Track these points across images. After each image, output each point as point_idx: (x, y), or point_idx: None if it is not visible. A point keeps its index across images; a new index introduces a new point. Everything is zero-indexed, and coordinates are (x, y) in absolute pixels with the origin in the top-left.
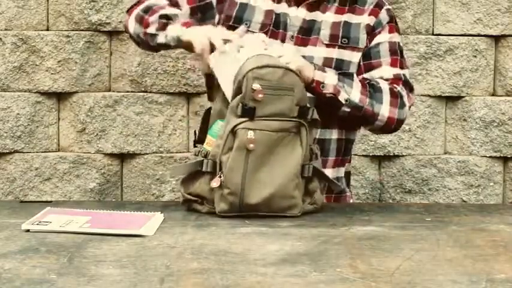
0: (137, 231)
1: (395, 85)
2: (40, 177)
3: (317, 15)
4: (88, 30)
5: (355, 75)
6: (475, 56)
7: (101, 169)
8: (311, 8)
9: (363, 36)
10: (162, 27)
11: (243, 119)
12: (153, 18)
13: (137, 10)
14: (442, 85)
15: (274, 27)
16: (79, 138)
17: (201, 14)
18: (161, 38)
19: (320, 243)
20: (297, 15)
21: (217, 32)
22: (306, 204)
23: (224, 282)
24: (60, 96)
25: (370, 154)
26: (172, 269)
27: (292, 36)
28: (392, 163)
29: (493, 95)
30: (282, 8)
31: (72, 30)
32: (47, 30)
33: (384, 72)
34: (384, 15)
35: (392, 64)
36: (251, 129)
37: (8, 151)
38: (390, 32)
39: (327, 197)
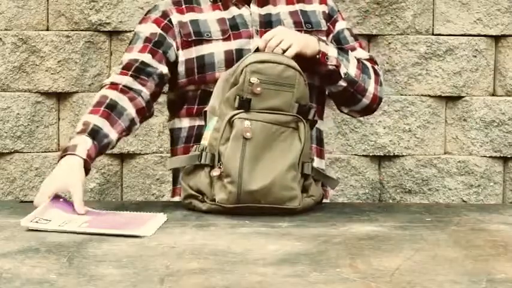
0: (137, 232)
1: (372, 64)
2: (40, 177)
3: (270, 9)
4: (88, 30)
5: (349, 50)
6: (475, 56)
7: (100, 169)
8: (261, 4)
9: (322, 21)
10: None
11: (240, 110)
12: None
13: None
14: (442, 85)
15: (234, 30)
16: None
17: (160, 49)
18: None
19: (320, 243)
20: (251, 12)
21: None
22: (303, 199)
23: (224, 282)
24: (60, 96)
25: (370, 154)
26: (172, 269)
27: (257, 31)
28: (393, 163)
29: (493, 95)
30: (233, 11)
31: (72, 30)
32: (47, 30)
33: (360, 53)
34: (331, 3)
35: (361, 47)
36: (248, 119)
37: (8, 151)
38: (342, 19)
39: None
